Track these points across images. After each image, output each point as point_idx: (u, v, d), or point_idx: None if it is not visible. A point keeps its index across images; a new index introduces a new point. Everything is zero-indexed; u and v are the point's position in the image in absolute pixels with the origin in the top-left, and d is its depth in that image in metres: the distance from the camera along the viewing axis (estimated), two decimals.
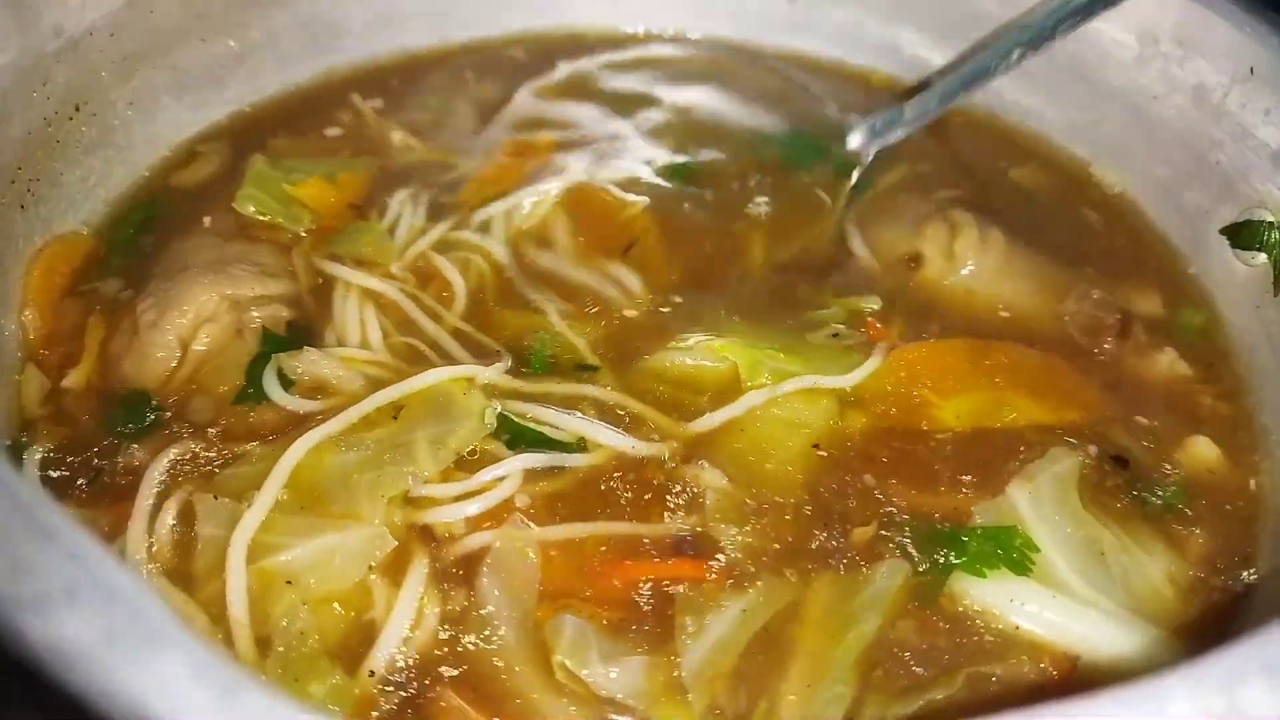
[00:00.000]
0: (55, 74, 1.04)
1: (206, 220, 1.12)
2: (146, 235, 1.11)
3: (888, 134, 1.27)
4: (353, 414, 0.90)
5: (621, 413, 0.95)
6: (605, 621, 0.81)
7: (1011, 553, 0.86)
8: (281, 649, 0.76)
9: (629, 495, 0.90)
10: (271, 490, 0.84)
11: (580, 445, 0.92)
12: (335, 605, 0.81)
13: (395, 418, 0.91)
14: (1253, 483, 0.99)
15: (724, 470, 0.91)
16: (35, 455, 0.90)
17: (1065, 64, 1.31)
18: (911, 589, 0.85)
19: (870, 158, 1.27)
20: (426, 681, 0.77)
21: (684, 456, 0.92)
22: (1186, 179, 1.20)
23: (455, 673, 0.78)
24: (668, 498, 0.89)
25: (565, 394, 0.96)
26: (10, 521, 0.49)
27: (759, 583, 0.84)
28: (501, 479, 0.88)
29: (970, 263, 1.15)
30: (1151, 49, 1.23)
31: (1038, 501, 0.90)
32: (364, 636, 0.79)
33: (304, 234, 1.12)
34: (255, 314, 1.00)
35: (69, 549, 0.48)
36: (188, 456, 0.89)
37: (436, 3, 1.41)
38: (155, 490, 0.86)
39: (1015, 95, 1.37)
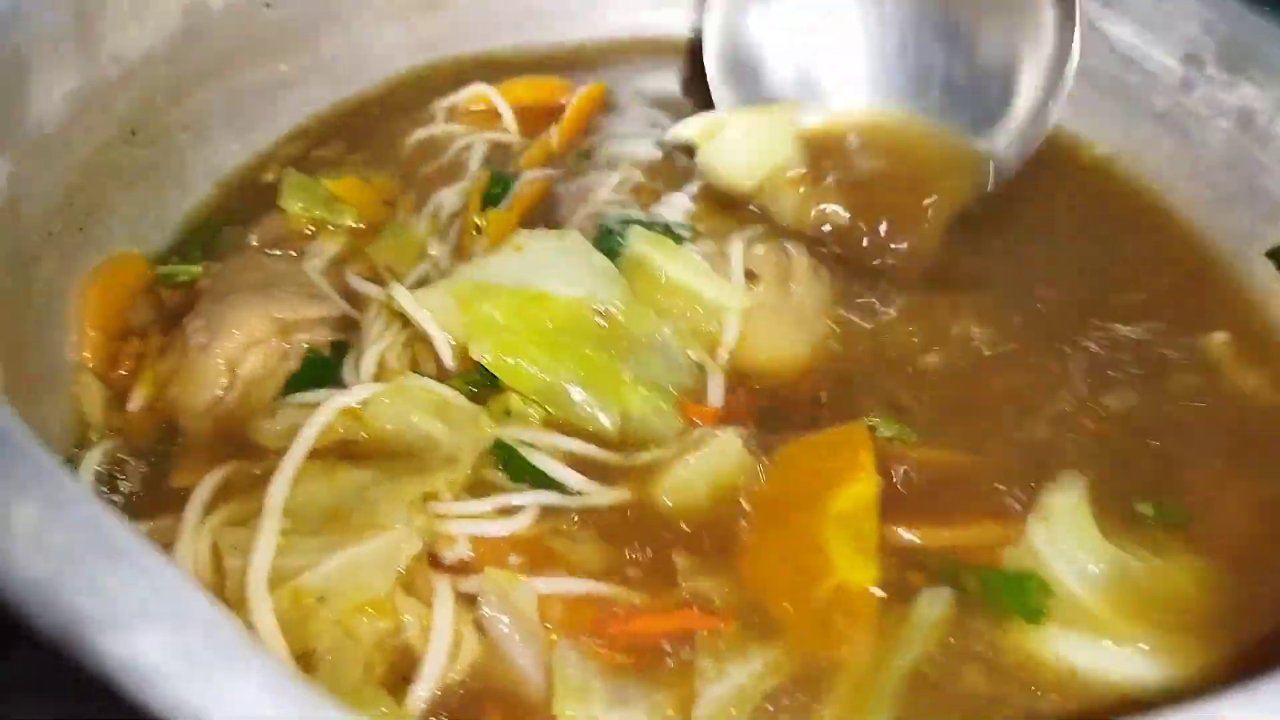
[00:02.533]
0: (113, 100, 1.07)
1: (253, 238, 1.15)
2: (195, 253, 1.14)
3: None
4: (314, 428, 0.89)
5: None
6: (612, 661, 0.80)
7: (1030, 602, 0.85)
8: (323, 669, 0.77)
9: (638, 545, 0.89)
10: (272, 516, 0.83)
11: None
12: (367, 618, 0.80)
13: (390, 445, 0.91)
14: None
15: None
16: (91, 469, 0.92)
17: (1108, 87, 1.31)
18: (954, 625, 0.84)
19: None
20: (470, 704, 0.78)
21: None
22: (1231, 201, 1.20)
23: (494, 696, 0.78)
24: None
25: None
26: (83, 541, 0.50)
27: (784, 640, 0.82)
28: (519, 508, 0.88)
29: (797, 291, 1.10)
30: (1196, 73, 1.22)
31: (1055, 540, 0.87)
32: (402, 651, 0.80)
33: (349, 227, 1.16)
34: (301, 337, 1.01)
35: (142, 568, 0.49)
36: (231, 478, 0.90)
37: (484, 19, 1.43)
38: (200, 513, 0.86)
39: (1057, 116, 1.37)
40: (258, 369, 0.99)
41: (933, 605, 0.84)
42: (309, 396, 0.95)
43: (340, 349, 1.03)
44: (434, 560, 0.85)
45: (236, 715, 0.44)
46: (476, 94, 1.34)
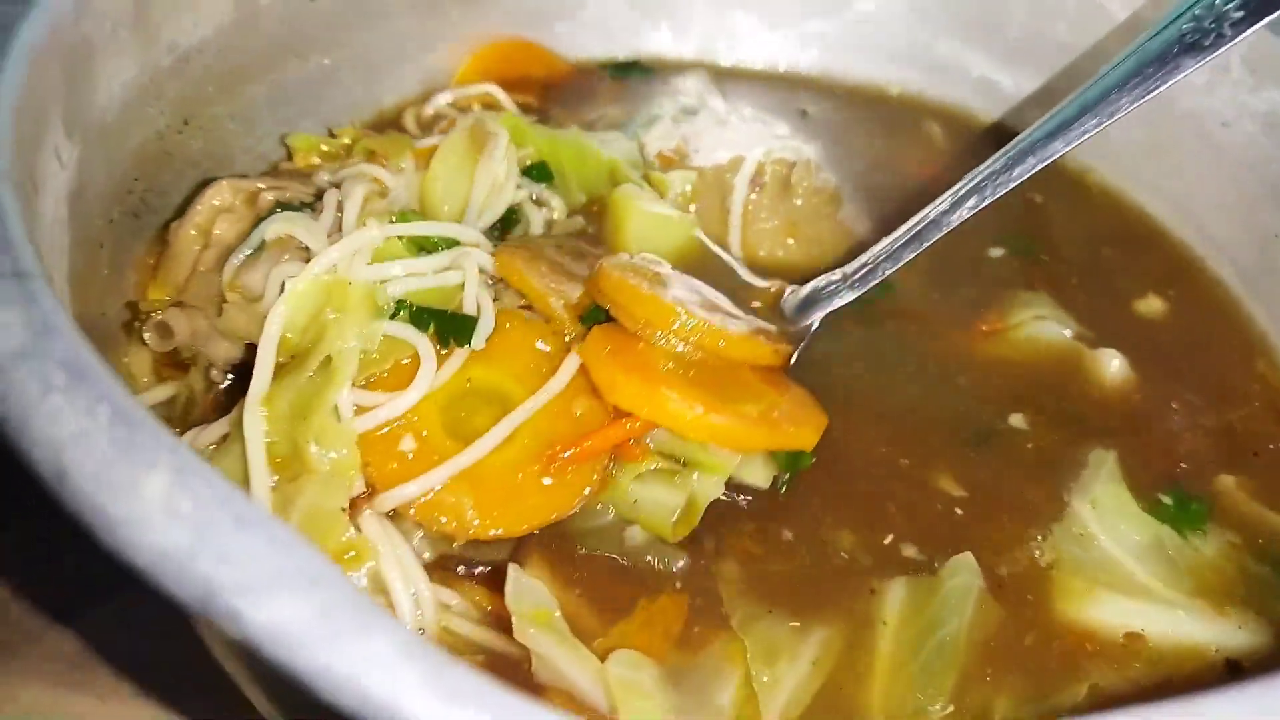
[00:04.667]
0: (168, 89, 1.08)
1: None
2: None
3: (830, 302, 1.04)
4: (264, 366, 0.88)
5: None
6: (664, 661, 0.82)
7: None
8: None
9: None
10: (257, 457, 0.83)
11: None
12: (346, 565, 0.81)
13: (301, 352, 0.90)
14: None
15: None
16: None
17: None
18: (1001, 596, 0.88)
19: (815, 326, 1.06)
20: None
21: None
22: (1255, 202, 1.23)
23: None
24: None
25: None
26: (212, 510, 0.52)
27: (824, 629, 0.86)
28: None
29: (799, 197, 1.22)
30: (1222, 76, 1.25)
31: (1102, 514, 0.94)
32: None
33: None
34: (270, 197, 1.04)
35: (269, 535, 0.51)
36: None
37: (521, 11, 1.45)
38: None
39: None
40: (229, 231, 1.02)
41: (962, 572, 0.88)
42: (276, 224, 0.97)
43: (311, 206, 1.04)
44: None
45: (376, 676, 0.46)
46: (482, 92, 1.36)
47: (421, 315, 0.92)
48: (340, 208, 1.01)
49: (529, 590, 0.81)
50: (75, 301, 0.86)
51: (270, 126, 1.24)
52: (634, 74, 1.48)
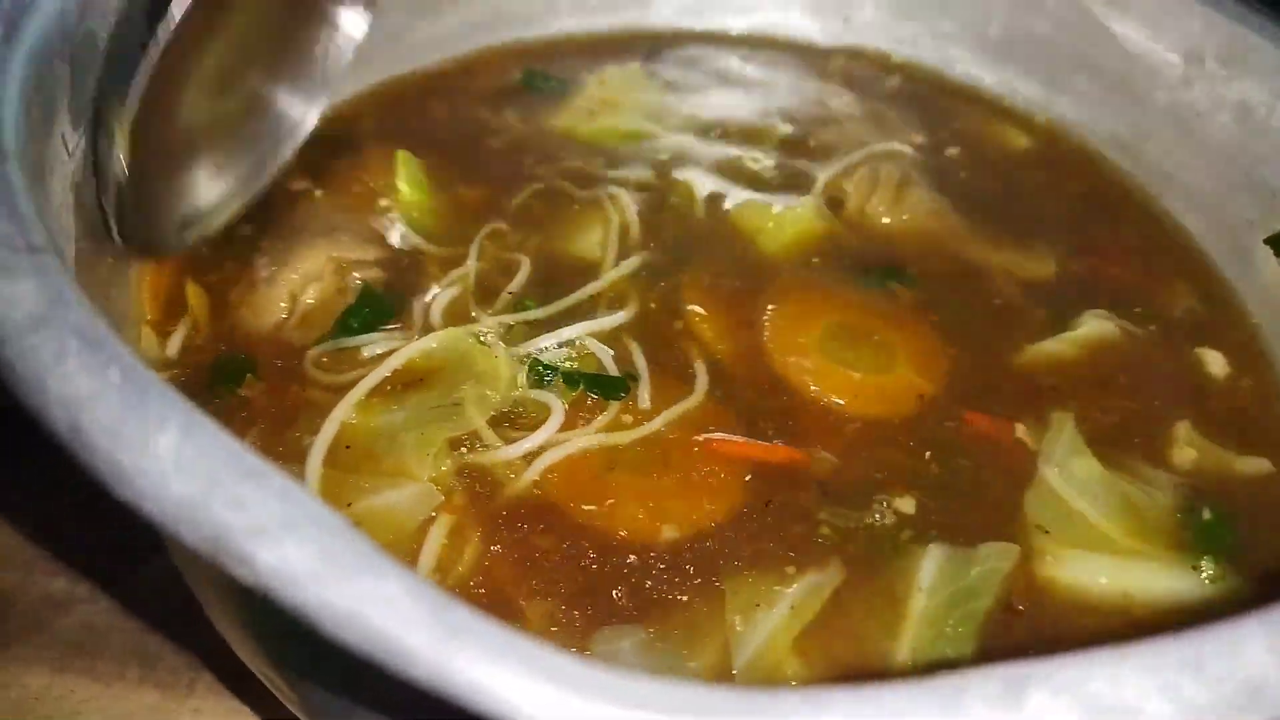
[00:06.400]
0: None
1: (319, 193, 1.23)
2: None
3: None
4: (363, 386, 0.99)
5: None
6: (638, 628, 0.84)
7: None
8: None
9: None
10: (319, 451, 0.93)
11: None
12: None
13: (423, 380, 1.00)
14: None
15: None
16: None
17: (1113, 82, 1.38)
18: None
19: None
20: None
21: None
22: (1231, 192, 1.26)
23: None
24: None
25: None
26: (220, 463, 0.54)
27: (805, 576, 0.88)
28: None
29: (885, 216, 1.27)
30: (1197, 69, 1.29)
31: (1067, 477, 0.96)
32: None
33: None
34: (357, 275, 1.12)
35: (277, 486, 0.54)
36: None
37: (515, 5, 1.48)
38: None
39: (1062, 110, 1.44)
40: (315, 300, 1.09)
41: (1003, 559, 0.90)
42: (362, 340, 1.05)
43: (394, 290, 1.12)
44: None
45: (384, 615, 0.49)
46: None
47: (572, 377, 1.02)
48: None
49: None
50: (83, 282, 0.88)
51: None
52: None
